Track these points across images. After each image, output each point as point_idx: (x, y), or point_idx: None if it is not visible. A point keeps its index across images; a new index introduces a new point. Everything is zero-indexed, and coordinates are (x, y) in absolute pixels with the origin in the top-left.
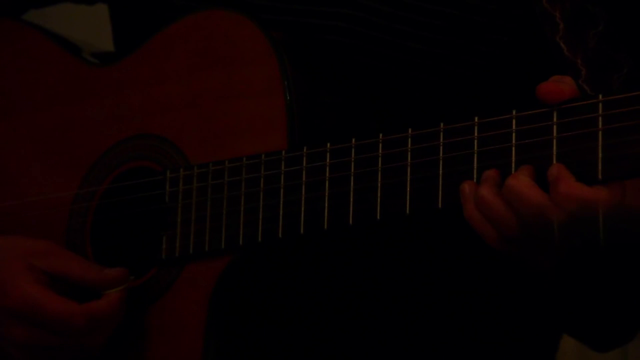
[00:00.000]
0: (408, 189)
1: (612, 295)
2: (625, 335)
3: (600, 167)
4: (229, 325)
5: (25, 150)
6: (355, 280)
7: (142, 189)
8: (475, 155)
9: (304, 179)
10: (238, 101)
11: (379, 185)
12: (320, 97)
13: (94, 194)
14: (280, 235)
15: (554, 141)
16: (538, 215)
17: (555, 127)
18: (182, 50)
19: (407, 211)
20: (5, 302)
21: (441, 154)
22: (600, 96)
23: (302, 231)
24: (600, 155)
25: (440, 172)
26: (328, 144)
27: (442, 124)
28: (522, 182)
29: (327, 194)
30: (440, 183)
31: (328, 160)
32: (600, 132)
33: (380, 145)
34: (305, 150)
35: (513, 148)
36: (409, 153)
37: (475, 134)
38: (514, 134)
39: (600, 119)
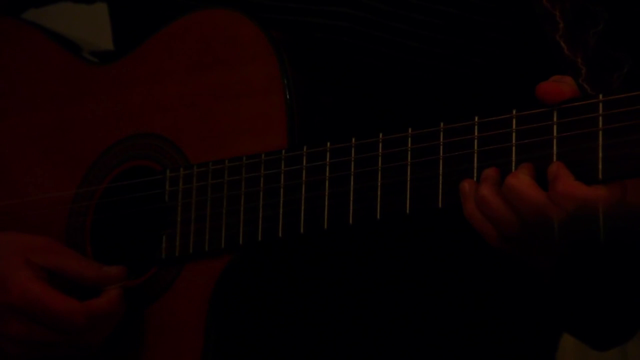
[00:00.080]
0: (408, 189)
1: (611, 294)
2: (625, 334)
3: (600, 167)
4: (229, 325)
5: (25, 149)
6: (355, 279)
7: (141, 188)
8: (476, 154)
9: (303, 178)
10: (238, 100)
11: (379, 184)
12: (320, 96)
13: (93, 193)
14: (280, 235)
15: (554, 141)
16: (538, 214)
17: (555, 126)
18: (181, 49)
19: (407, 211)
20: (6, 298)
21: (441, 154)
22: (601, 96)
23: (302, 230)
24: (600, 155)
25: (440, 171)
26: (328, 143)
27: (442, 124)
28: (521, 181)
29: (327, 193)
30: (440, 183)
31: (328, 159)
32: (600, 132)
33: (380, 144)
34: (305, 149)
35: (513, 148)
36: (409, 152)
37: (476, 134)
38: (514, 134)
39: (600, 118)
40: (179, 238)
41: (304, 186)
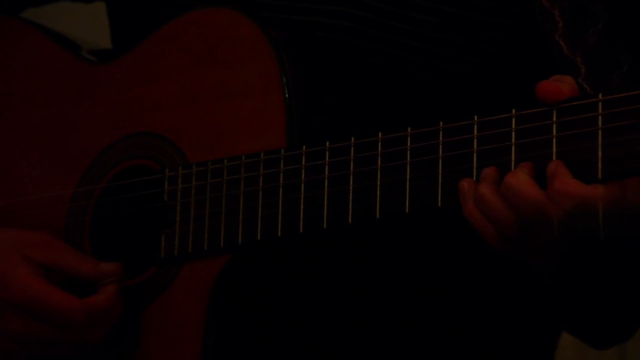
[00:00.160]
0: (407, 188)
1: (611, 293)
2: (624, 333)
3: (600, 166)
4: (228, 324)
5: (23, 148)
6: (355, 279)
7: (140, 187)
8: (475, 154)
9: (303, 177)
10: (237, 99)
11: (378, 184)
12: (319, 95)
13: (92, 192)
14: (279, 234)
15: (554, 140)
16: (537, 213)
17: (554, 126)
18: (180, 48)
19: (407, 210)
20: (5, 294)
21: (440, 153)
22: (600, 95)
23: (301, 230)
24: (600, 154)
25: (440, 170)
26: (327, 143)
27: (441, 123)
28: (520, 179)
29: (326, 192)
30: (440, 182)
31: (327, 158)
32: (600, 131)
33: (380, 143)
34: (304, 148)
35: (512, 147)
36: (409, 152)
37: (475, 133)
38: (513, 133)
39: (600, 118)
40: (177, 237)
41: (303, 185)
